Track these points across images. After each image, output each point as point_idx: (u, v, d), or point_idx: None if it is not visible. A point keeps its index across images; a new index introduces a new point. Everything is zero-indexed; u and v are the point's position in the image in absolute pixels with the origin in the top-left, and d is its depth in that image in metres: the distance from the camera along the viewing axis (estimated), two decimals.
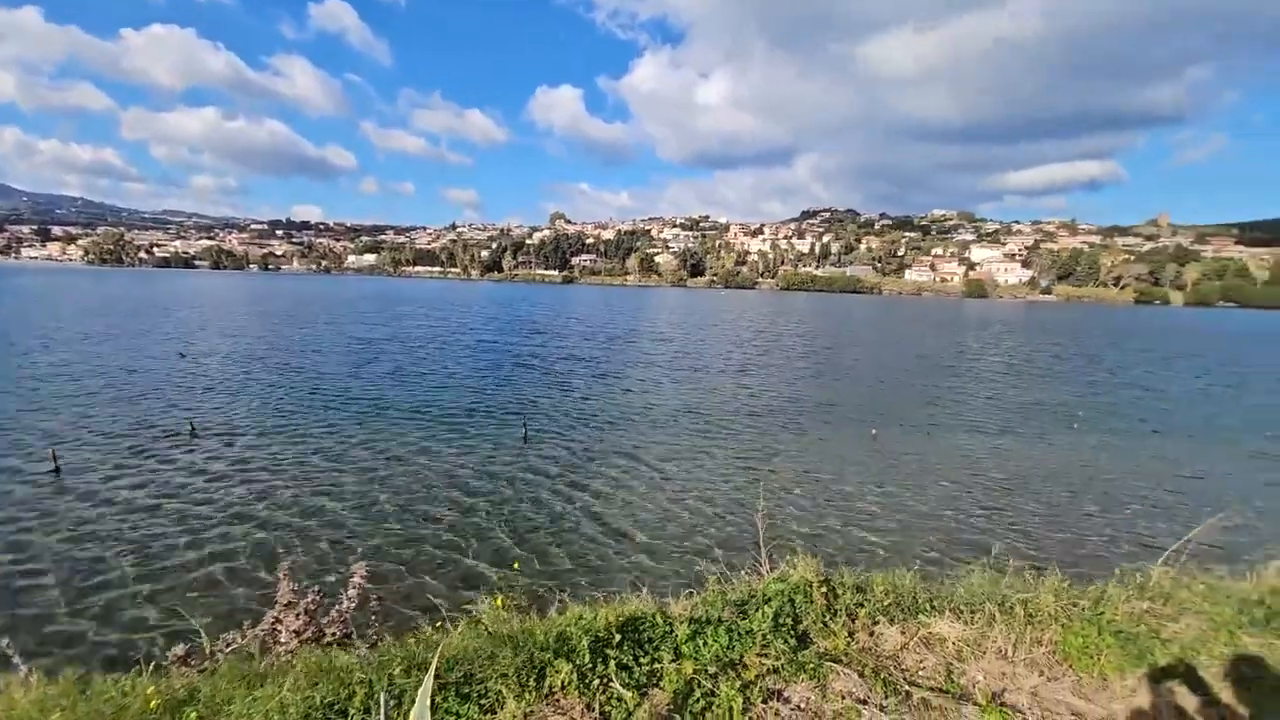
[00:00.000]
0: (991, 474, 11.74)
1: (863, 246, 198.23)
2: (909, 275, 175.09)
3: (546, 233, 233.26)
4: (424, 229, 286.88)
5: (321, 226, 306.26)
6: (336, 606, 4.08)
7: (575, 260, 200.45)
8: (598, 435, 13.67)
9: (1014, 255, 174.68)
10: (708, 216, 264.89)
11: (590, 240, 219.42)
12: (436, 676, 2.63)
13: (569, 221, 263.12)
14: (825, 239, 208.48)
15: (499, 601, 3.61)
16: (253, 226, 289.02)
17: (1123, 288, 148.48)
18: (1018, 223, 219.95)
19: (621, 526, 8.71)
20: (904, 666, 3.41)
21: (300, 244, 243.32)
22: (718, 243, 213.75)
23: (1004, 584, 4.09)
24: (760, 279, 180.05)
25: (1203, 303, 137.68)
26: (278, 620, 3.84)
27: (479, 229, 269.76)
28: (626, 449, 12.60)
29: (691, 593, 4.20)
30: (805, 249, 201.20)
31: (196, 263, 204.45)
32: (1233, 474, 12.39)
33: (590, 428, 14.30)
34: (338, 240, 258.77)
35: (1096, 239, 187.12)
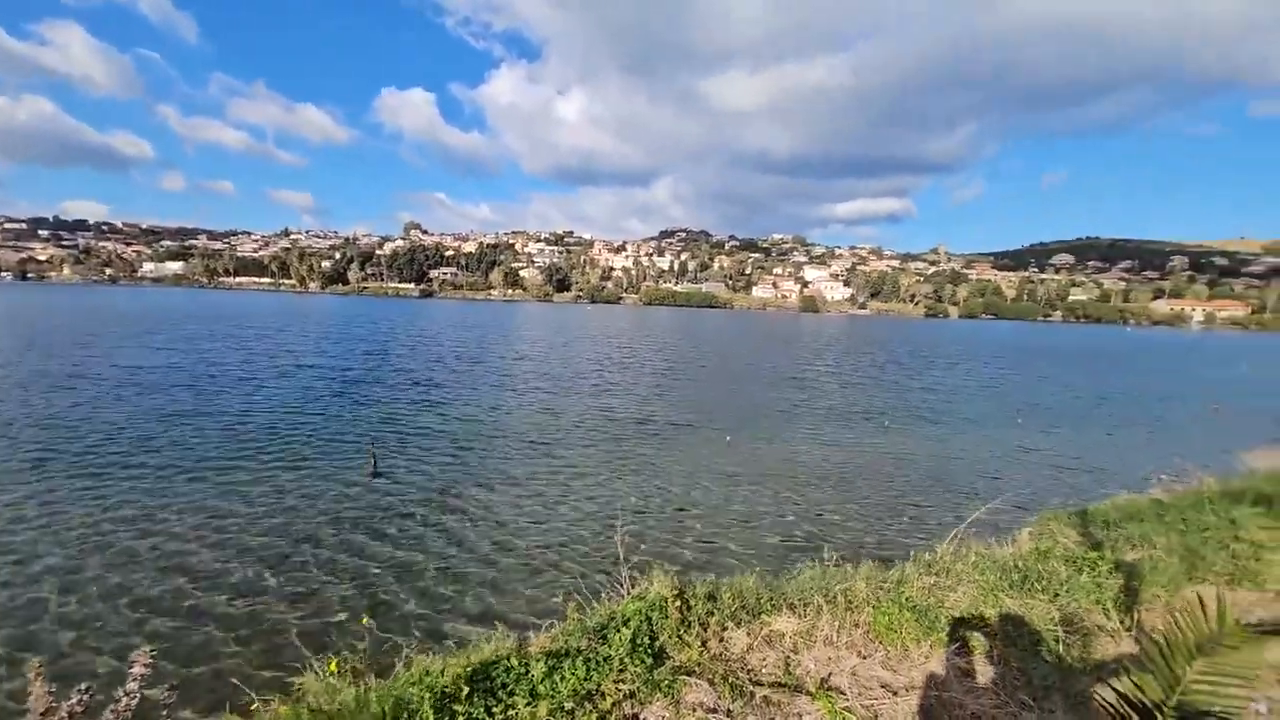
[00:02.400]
0: (823, 475, 13.26)
1: (716, 265, 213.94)
2: (755, 292, 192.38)
3: (400, 243, 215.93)
4: (249, 234, 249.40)
5: (105, 227, 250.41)
6: (112, 706, 3.32)
7: (434, 273, 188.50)
8: (455, 464, 12.92)
9: (837, 276, 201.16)
10: (572, 232, 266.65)
11: (450, 253, 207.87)
12: None
13: (426, 232, 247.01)
14: (683, 257, 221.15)
15: (333, 665, 3.22)
16: (7, 225, 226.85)
17: (916, 304, 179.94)
18: (839, 247, 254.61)
19: (483, 561, 8.30)
20: (750, 667, 3.68)
21: (74, 247, 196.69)
22: (583, 258, 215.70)
23: (830, 576, 4.61)
24: (625, 294, 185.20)
25: (971, 315, 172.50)
26: None
27: (319, 236, 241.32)
28: (487, 477, 12.07)
29: (553, 624, 4.13)
30: (665, 266, 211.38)
31: None
32: (1002, 458, 15.43)
33: (446, 457, 13.48)
34: (129, 244, 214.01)
35: (896, 263, 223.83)
